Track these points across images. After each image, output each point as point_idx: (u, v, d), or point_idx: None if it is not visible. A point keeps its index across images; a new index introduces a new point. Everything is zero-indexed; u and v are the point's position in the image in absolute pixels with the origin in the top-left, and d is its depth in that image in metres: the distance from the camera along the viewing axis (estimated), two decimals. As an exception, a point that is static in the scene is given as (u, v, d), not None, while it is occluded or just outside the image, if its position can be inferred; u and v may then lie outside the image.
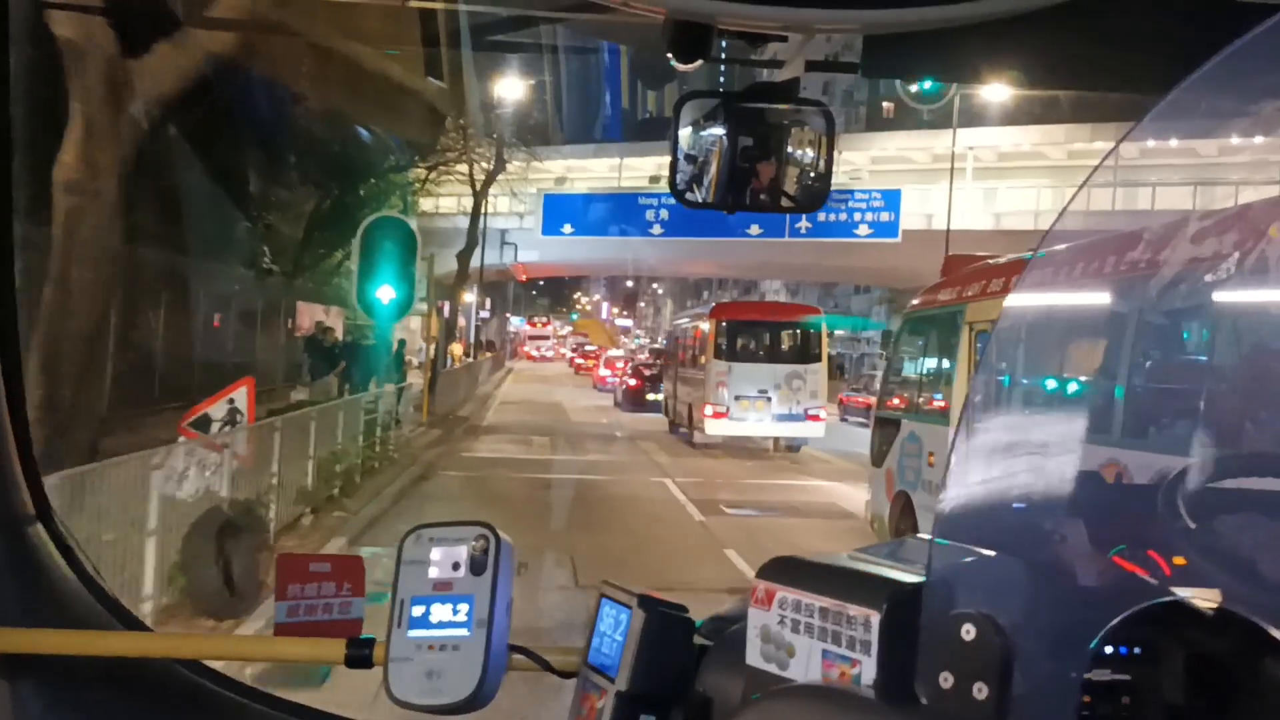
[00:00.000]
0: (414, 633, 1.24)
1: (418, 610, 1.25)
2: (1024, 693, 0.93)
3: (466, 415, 27.60)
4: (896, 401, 10.85)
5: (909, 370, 10.94)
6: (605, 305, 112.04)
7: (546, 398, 38.40)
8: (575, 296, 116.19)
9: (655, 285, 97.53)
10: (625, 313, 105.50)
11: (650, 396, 30.94)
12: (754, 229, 33.91)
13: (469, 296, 46.27)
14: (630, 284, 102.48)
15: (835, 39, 1.40)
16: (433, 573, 1.26)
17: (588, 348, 73.69)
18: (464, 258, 32.12)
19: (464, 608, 1.24)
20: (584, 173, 47.94)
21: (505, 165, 33.32)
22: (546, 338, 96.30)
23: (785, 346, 21.78)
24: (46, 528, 1.68)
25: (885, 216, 35.14)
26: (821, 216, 32.35)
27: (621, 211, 38.89)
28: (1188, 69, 0.96)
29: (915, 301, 11.60)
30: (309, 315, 29.37)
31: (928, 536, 1.11)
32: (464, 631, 1.23)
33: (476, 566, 1.25)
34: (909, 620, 1.01)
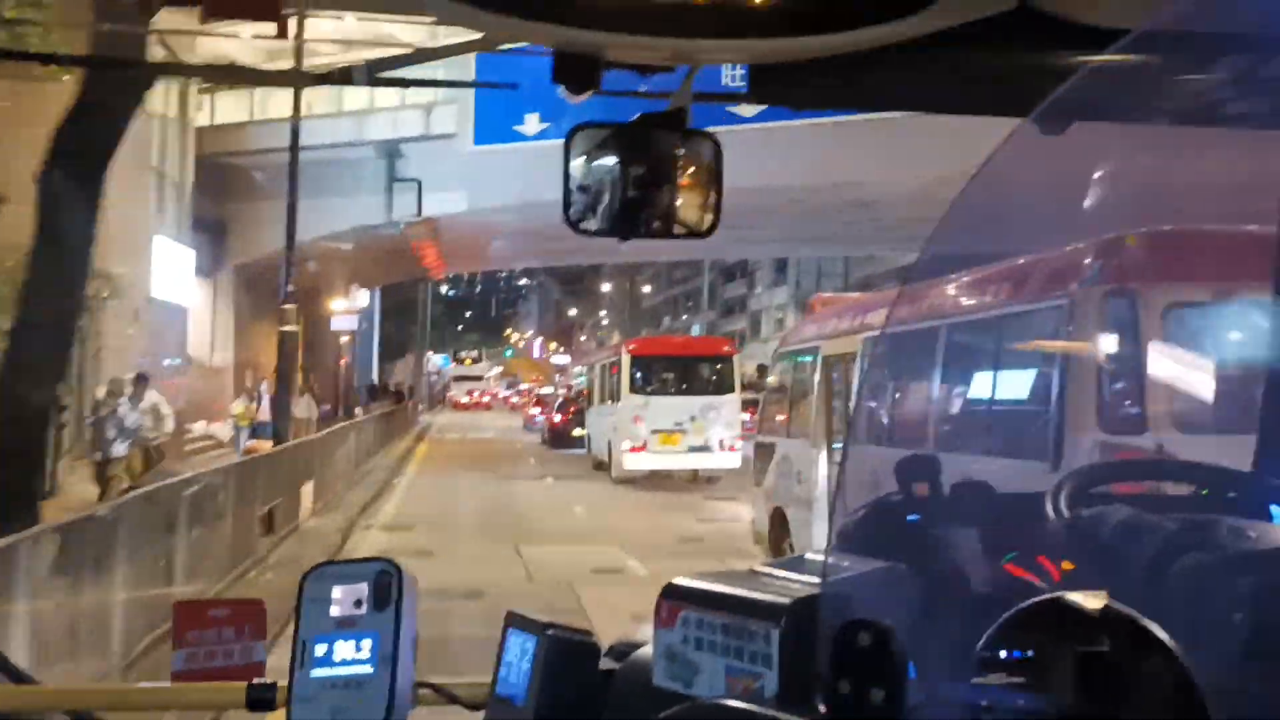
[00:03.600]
0: (317, 672, 1.22)
1: (320, 649, 1.23)
2: (920, 696, 0.95)
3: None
4: (771, 427, 12.03)
5: (780, 400, 12.02)
6: (538, 342, 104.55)
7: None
8: (506, 333, 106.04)
9: (602, 314, 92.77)
10: (562, 348, 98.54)
11: (576, 433, 30.38)
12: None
13: (344, 303, 31.89)
14: (573, 311, 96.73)
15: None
16: (335, 610, 1.24)
17: (543, 391, 55.77)
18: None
19: (367, 644, 1.22)
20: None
21: None
22: (479, 378, 79.81)
23: (700, 380, 22.01)
24: None
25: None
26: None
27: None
28: (1048, 90, 1.01)
29: (785, 337, 13.12)
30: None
31: (818, 554, 1.13)
32: (368, 668, 1.21)
33: (380, 602, 1.24)
34: (808, 631, 1.03)
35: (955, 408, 7.26)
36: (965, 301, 7.88)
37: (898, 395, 7.96)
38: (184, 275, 22.85)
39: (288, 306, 16.89)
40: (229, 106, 24.99)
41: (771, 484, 11.36)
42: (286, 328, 16.95)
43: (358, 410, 33.77)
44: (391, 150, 24.88)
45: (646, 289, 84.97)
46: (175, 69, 18.01)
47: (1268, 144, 1.37)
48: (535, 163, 16.91)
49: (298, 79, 12.50)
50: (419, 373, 63.36)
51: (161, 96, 20.54)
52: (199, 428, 21.91)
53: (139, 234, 19.53)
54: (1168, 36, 1.07)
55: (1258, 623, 1.00)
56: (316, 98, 21.40)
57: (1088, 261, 6.19)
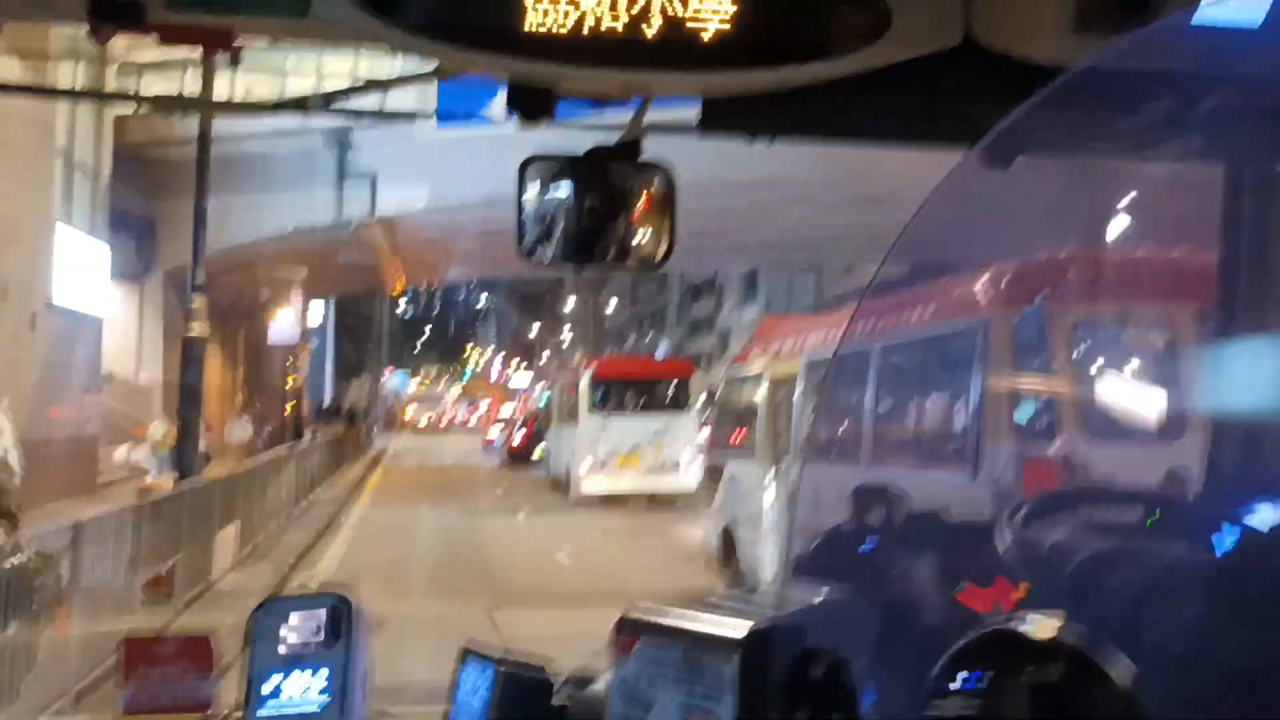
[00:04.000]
0: (266, 707, 1.21)
1: (270, 684, 1.22)
2: None
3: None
4: (721, 448, 12.32)
5: (729, 421, 12.31)
6: (498, 363, 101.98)
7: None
8: (465, 353, 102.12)
9: (565, 331, 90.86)
10: (525, 364, 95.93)
11: (536, 456, 30.17)
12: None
13: (289, 313, 29.73)
14: (535, 328, 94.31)
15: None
16: (286, 645, 1.23)
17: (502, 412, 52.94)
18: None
19: (320, 678, 1.21)
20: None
21: None
22: (437, 399, 78.91)
23: (658, 401, 21.86)
24: None
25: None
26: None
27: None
28: (990, 125, 1.03)
29: (733, 361, 13.58)
30: None
31: (773, 583, 1.13)
32: (323, 699, 1.20)
33: (332, 636, 1.23)
34: (763, 662, 1.03)
35: (887, 424, 8.26)
36: (894, 325, 8.28)
37: (835, 415, 8.58)
38: (98, 277, 19.47)
39: (196, 304, 13.93)
40: (157, 92, 20.36)
41: (720, 503, 11.58)
42: (193, 332, 13.95)
43: (307, 433, 30.14)
44: (343, 139, 22.02)
45: (613, 304, 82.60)
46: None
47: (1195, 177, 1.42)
48: (504, 151, 13.31)
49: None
50: (375, 394, 60.47)
51: (69, 69, 17.59)
52: (120, 455, 18.92)
53: (37, 227, 16.54)
54: (1107, 74, 1.10)
55: (1205, 652, 1.02)
56: (257, 81, 19.04)
57: (1001, 286, 6.61)
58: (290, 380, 35.74)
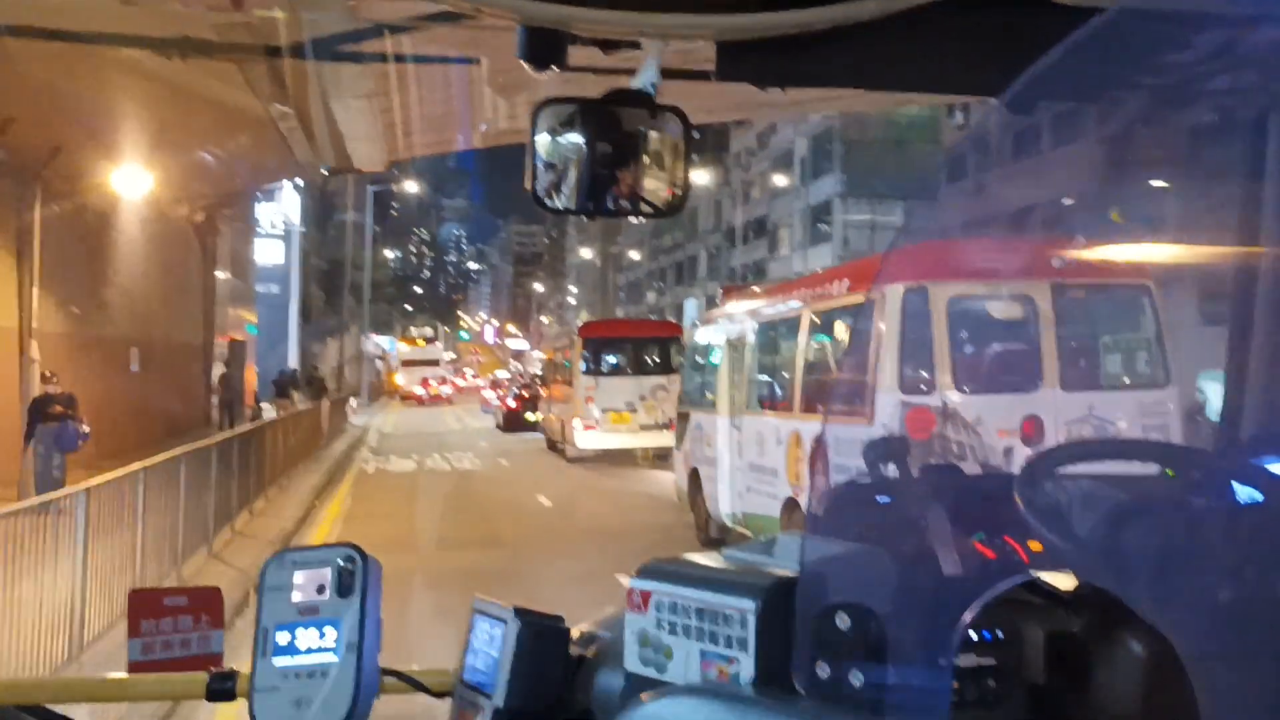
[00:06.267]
0: (279, 660, 1.19)
1: (282, 637, 1.20)
2: (897, 678, 0.95)
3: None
4: (688, 398, 14.03)
5: (695, 375, 13.99)
6: (492, 328, 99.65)
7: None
8: (460, 315, 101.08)
9: (569, 291, 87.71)
10: (521, 330, 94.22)
11: (529, 417, 31.43)
12: None
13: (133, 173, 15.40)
14: (539, 287, 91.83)
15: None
16: (297, 597, 1.22)
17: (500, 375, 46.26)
18: None
19: (331, 632, 1.20)
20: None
21: None
22: (435, 362, 62.46)
23: (648, 361, 23.07)
24: None
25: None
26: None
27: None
28: (1018, 71, 1.01)
29: (699, 320, 15.83)
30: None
31: (787, 537, 1.13)
32: (332, 656, 1.19)
33: (343, 589, 1.21)
34: (784, 614, 1.02)
35: (812, 379, 10.03)
36: (818, 294, 10.35)
37: (773, 371, 11.19)
38: None
39: None
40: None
41: (688, 448, 13.48)
42: None
43: (248, 413, 22.28)
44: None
45: (632, 256, 74.90)
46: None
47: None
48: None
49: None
50: (357, 357, 49.30)
51: None
52: None
53: None
54: (1140, 16, 1.07)
55: (1228, 598, 1.01)
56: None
57: (893, 264, 7.60)
58: (220, 337, 25.62)
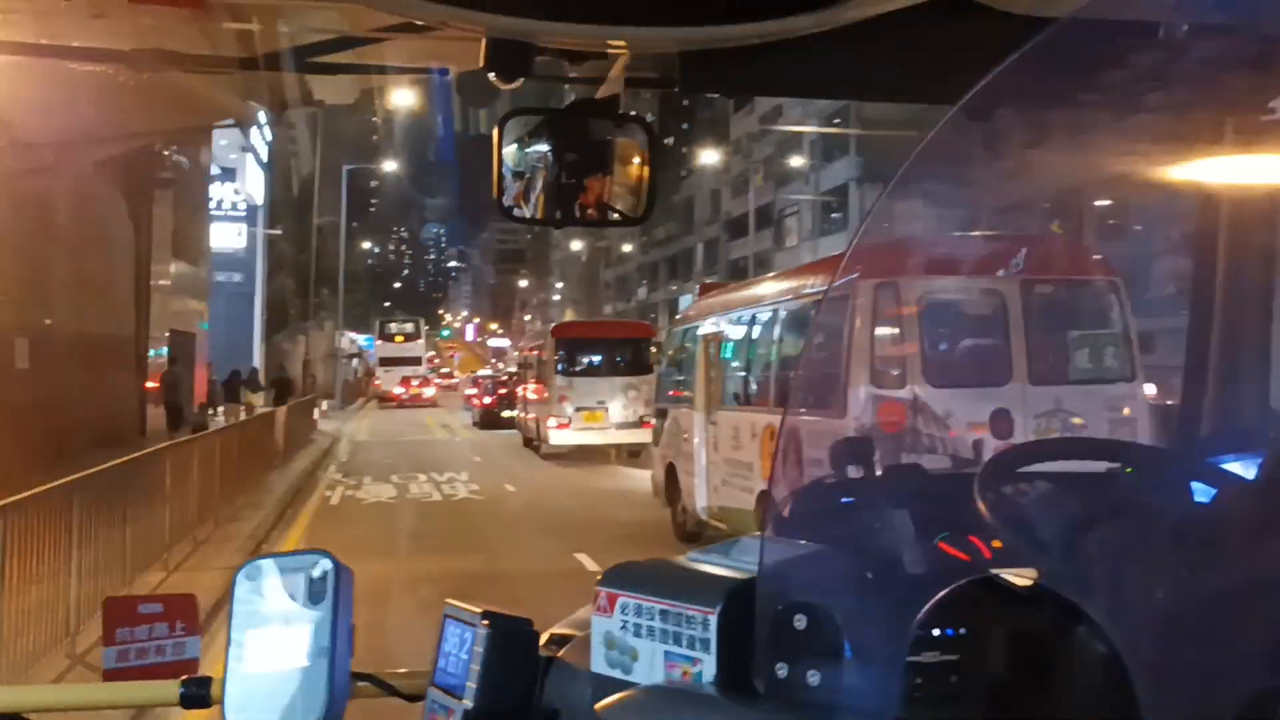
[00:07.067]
0: (252, 667, 1.21)
1: (255, 644, 1.21)
2: (855, 676, 0.97)
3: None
4: (666, 395, 14.16)
5: (672, 372, 14.21)
6: (472, 326, 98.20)
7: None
8: (440, 312, 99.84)
9: (555, 288, 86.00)
10: (501, 330, 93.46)
11: (505, 414, 31.99)
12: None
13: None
14: (524, 283, 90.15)
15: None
16: (269, 604, 1.23)
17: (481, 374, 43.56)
18: None
19: (303, 638, 1.21)
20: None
21: None
22: (416, 360, 56.79)
23: (620, 360, 23.41)
24: None
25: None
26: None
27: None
28: (974, 80, 1.03)
29: (678, 318, 15.99)
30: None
31: (752, 538, 1.15)
32: (304, 662, 1.20)
33: (314, 595, 1.23)
34: (745, 616, 1.04)
35: (787, 374, 9.99)
36: (792, 290, 10.47)
37: (748, 367, 11.29)
38: None
39: None
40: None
41: (665, 443, 13.60)
42: None
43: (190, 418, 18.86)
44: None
45: (625, 249, 70.83)
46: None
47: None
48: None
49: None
50: (330, 355, 44.69)
51: None
52: None
53: None
54: (1092, 26, 1.09)
55: (1180, 599, 1.04)
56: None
57: (865, 260, 7.74)
58: (162, 333, 21.97)
